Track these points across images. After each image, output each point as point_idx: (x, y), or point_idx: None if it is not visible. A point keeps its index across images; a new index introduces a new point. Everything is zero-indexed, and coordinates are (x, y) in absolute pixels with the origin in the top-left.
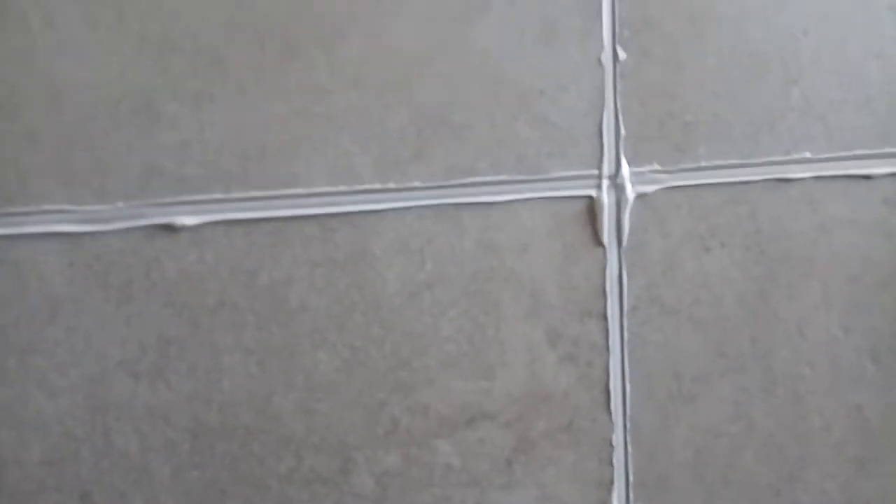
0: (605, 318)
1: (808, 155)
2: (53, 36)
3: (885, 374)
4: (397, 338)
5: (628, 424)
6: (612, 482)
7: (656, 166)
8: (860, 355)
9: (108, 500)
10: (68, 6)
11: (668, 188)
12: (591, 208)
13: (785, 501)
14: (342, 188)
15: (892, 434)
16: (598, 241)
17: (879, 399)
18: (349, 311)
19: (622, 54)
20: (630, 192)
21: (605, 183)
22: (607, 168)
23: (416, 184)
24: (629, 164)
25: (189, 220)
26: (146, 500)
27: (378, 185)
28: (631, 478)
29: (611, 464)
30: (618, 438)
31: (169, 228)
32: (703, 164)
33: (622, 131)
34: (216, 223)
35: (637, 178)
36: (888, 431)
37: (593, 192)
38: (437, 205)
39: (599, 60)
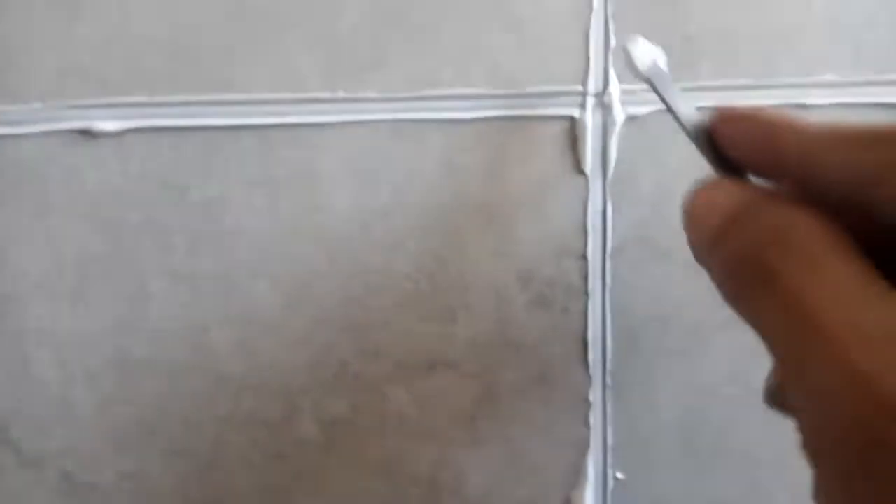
0: (584, 258)
1: (830, 78)
2: None
3: None
4: (347, 271)
5: (608, 380)
6: (587, 444)
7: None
8: None
9: (27, 434)
10: None
11: (662, 110)
12: (573, 130)
13: (785, 477)
14: (285, 96)
15: None
16: (580, 170)
17: None
18: (292, 238)
19: None
20: (618, 113)
21: (591, 101)
22: (593, 84)
23: (371, 94)
24: (619, 80)
25: (110, 126)
26: (68, 435)
27: (326, 94)
28: (609, 440)
29: (587, 424)
30: (595, 395)
31: (88, 134)
32: (707, 83)
33: (613, 41)
34: (140, 130)
35: (627, 97)
36: None
37: (576, 112)
38: (395, 119)
39: None
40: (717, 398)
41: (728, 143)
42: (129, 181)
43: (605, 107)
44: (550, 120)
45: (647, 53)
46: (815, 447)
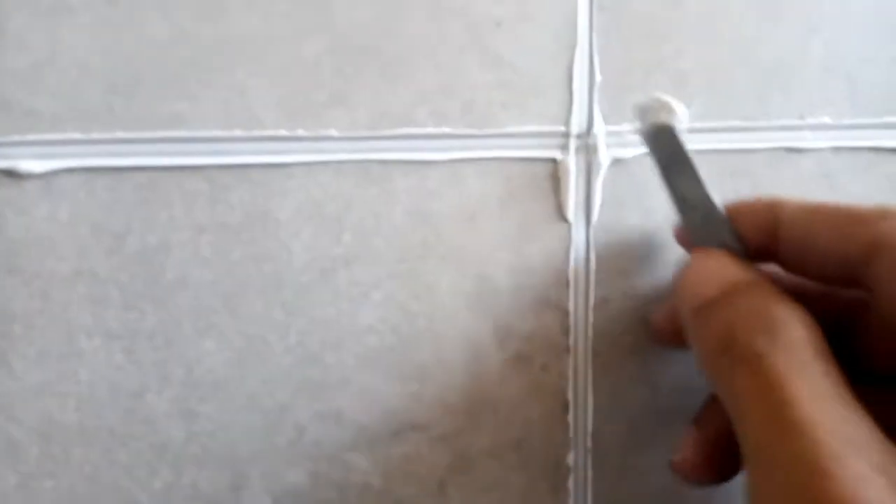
0: (566, 311)
1: (826, 120)
2: None
3: None
4: (305, 325)
5: (589, 443)
6: None
7: (638, 125)
8: None
9: None
10: None
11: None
12: (555, 174)
13: None
14: (237, 133)
15: None
16: (562, 216)
17: None
18: (243, 289)
19: None
20: (604, 156)
21: (574, 143)
22: (576, 125)
23: (334, 132)
24: (604, 120)
25: (38, 166)
26: None
27: (284, 132)
28: None
29: (567, 490)
30: (576, 460)
31: (13, 175)
32: (698, 125)
33: (598, 79)
34: (72, 170)
35: (613, 139)
36: None
37: (558, 154)
38: (361, 160)
39: None
40: None
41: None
42: (58, 227)
43: (589, 149)
44: (530, 162)
45: (668, 114)
46: None
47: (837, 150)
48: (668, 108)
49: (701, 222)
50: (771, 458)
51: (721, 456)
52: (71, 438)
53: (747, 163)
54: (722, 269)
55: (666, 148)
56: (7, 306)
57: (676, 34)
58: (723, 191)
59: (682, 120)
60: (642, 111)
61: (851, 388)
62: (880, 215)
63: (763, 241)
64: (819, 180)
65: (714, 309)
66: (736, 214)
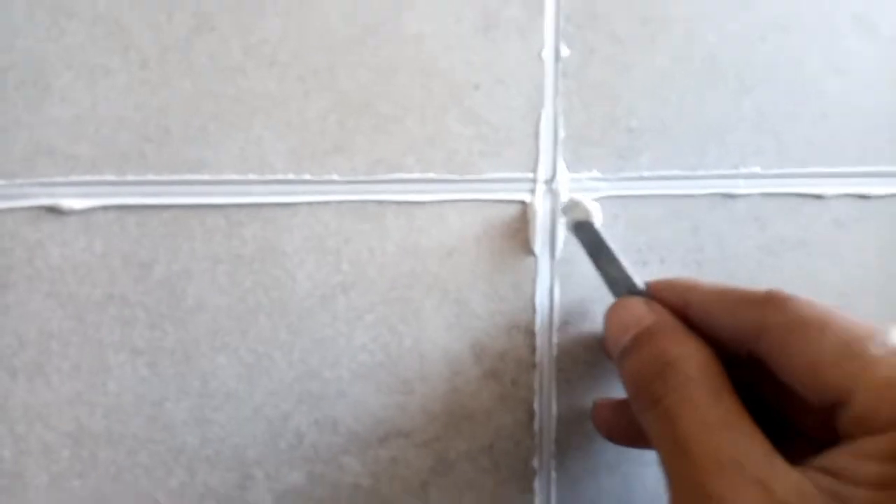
0: (533, 333)
1: (757, 170)
2: None
3: None
4: (306, 344)
5: (553, 448)
6: None
7: (596, 173)
8: None
9: None
10: None
11: (606, 197)
12: (524, 214)
13: None
14: (252, 177)
15: None
16: (530, 250)
17: None
18: (254, 312)
19: (565, 51)
20: (566, 199)
21: (540, 188)
22: (543, 172)
23: (335, 177)
24: (567, 169)
25: (77, 203)
26: None
27: (292, 177)
28: None
29: (533, 491)
30: (541, 463)
31: (55, 211)
32: (646, 173)
33: (561, 134)
34: (107, 208)
35: (575, 185)
36: None
37: (527, 197)
38: (358, 201)
39: (540, 56)
40: (651, 466)
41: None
42: (93, 257)
43: (553, 193)
44: (503, 204)
45: (583, 212)
46: None
47: (767, 195)
48: (583, 208)
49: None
50: (675, 486)
51: (629, 426)
52: (98, 442)
53: (689, 206)
54: (634, 313)
55: (589, 239)
56: (46, 326)
57: (628, 96)
58: (665, 230)
59: (597, 215)
60: (565, 210)
61: (747, 412)
62: (766, 299)
63: (676, 317)
64: (750, 222)
65: (627, 358)
66: (655, 291)
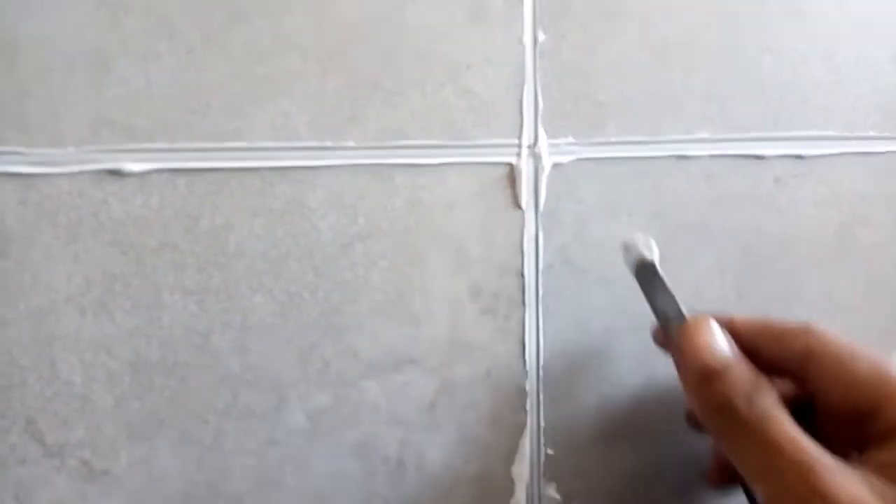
0: (522, 275)
1: (705, 136)
2: None
3: None
4: (329, 285)
5: (541, 373)
6: (524, 426)
7: (571, 139)
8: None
9: (52, 427)
10: None
11: (580, 159)
12: (511, 174)
13: (684, 451)
14: (281, 144)
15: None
16: (517, 205)
17: None
18: (285, 258)
19: (541, 36)
20: (546, 161)
21: (525, 152)
22: (526, 138)
23: (351, 143)
24: (546, 135)
25: (136, 167)
26: (88, 427)
27: (315, 144)
28: (542, 423)
29: (524, 409)
30: (531, 386)
31: (117, 174)
32: (613, 139)
33: (540, 106)
34: (161, 171)
35: (553, 149)
36: None
37: (513, 160)
38: (370, 164)
39: (521, 40)
40: (626, 388)
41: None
42: (150, 212)
43: (535, 156)
44: (493, 166)
45: (643, 248)
46: None
47: (715, 157)
48: (648, 245)
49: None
50: (775, 486)
51: (729, 473)
52: (154, 369)
53: (649, 167)
54: (714, 343)
55: (648, 276)
56: (109, 270)
57: (595, 75)
58: (631, 187)
59: (655, 252)
60: (626, 248)
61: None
62: (807, 330)
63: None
64: (702, 180)
65: (713, 381)
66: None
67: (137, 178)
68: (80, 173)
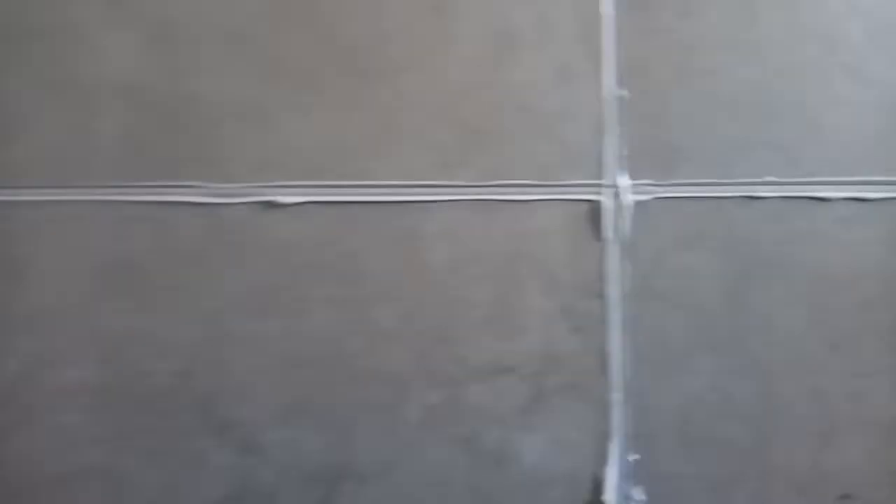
0: (606, 298)
1: (772, 178)
2: (202, 63)
3: (843, 363)
4: (442, 301)
5: (625, 387)
6: (611, 433)
7: (650, 180)
8: (821, 345)
9: (225, 408)
10: (218, 45)
11: (659, 198)
12: (597, 210)
13: (756, 462)
14: (405, 182)
15: (847, 412)
16: (602, 237)
17: (837, 383)
18: (406, 277)
19: (623, 92)
20: (628, 200)
21: (609, 191)
22: (610, 179)
23: (461, 183)
24: (629, 177)
25: (291, 200)
26: (251, 409)
27: (432, 182)
28: (627, 431)
29: (610, 418)
30: (616, 397)
31: (275, 205)
32: (688, 181)
33: (624, 152)
34: (311, 203)
35: (634, 189)
36: (844, 411)
37: (599, 198)
38: (476, 200)
39: (604, 96)
40: (702, 402)
41: None
42: (299, 236)
43: (618, 195)
44: (581, 203)
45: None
46: None
47: (782, 198)
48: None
49: None
50: None
51: None
52: (301, 365)
53: (721, 205)
54: None
55: None
56: (269, 282)
57: (671, 125)
58: (705, 223)
59: None
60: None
61: None
62: None
63: None
64: (770, 219)
65: None
66: None
67: (290, 208)
68: (247, 204)
